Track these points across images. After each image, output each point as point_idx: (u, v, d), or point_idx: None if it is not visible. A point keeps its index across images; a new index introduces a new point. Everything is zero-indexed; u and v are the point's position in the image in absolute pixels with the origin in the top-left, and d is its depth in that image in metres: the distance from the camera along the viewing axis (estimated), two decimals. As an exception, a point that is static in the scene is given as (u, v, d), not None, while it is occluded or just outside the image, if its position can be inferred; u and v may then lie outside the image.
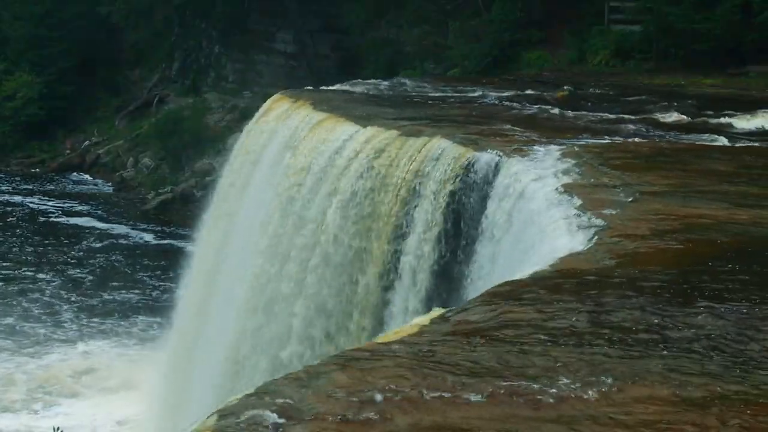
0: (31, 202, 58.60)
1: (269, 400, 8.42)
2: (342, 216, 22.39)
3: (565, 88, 31.45)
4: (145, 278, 46.72)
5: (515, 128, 23.23)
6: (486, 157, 19.64)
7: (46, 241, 51.81)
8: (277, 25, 63.11)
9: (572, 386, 9.04)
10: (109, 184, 62.03)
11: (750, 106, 27.74)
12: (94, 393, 34.81)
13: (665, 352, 10.00)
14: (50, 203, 58.38)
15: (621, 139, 22.77)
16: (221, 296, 28.22)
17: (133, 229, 53.88)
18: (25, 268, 47.49)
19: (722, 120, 26.12)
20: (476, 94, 29.96)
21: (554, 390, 8.95)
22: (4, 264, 47.86)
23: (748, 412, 8.78)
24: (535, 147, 20.35)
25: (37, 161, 66.07)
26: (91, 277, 46.17)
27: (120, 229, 53.83)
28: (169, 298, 41.35)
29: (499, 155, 19.54)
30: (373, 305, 21.34)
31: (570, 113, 26.46)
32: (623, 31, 40.35)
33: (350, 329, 22.07)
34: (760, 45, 36.15)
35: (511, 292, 11.97)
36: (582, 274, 12.45)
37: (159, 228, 53.97)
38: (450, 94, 30.27)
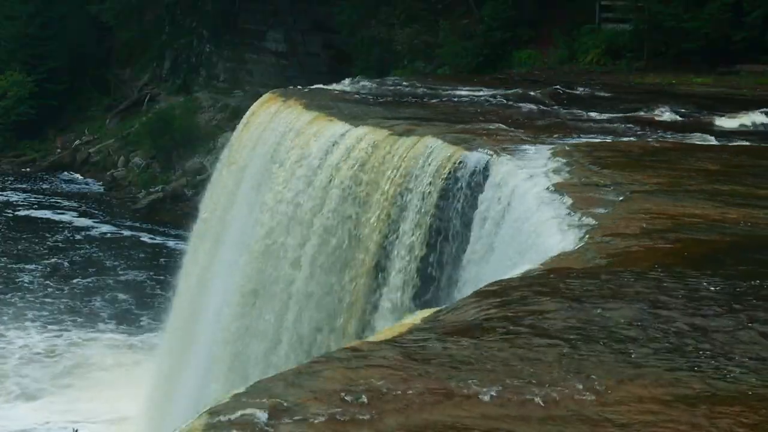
0: (21, 201, 58.55)
1: (260, 399, 8.42)
2: (332, 214, 22.40)
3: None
4: (133, 276, 46.72)
5: (505, 127, 23.25)
6: (476, 157, 19.65)
7: (36, 239, 51.79)
8: (267, 24, 63.11)
9: (563, 385, 9.05)
10: (100, 183, 62.01)
11: (740, 105, 27.80)
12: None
13: (656, 351, 10.02)
14: (41, 202, 58.35)
15: (611, 138, 22.80)
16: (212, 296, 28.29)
17: (123, 227, 53.88)
18: (10, 263, 47.59)
19: (712, 119, 26.16)
20: (466, 93, 29.96)
21: (545, 389, 8.96)
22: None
23: (739, 411, 8.80)
24: (525, 146, 20.37)
25: (28, 160, 66.04)
26: (79, 278, 46.20)
27: (110, 227, 53.84)
28: (158, 295, 41.49)
29: (489, 154, 19.54)
30: (362, 304, 21.36)
31: (561, 112, 26.49)
32: (614, 30, 40.37)
33: (339, 324, 22.14)
34: (750, 43, 36.22)
35: (501, 292, 11.98)
36: (573, 274, 12.46)
37: (150, 227, 53.97)
38: (440, 93, 30.25)
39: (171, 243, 50.01)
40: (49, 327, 40.20)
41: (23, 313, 41.17)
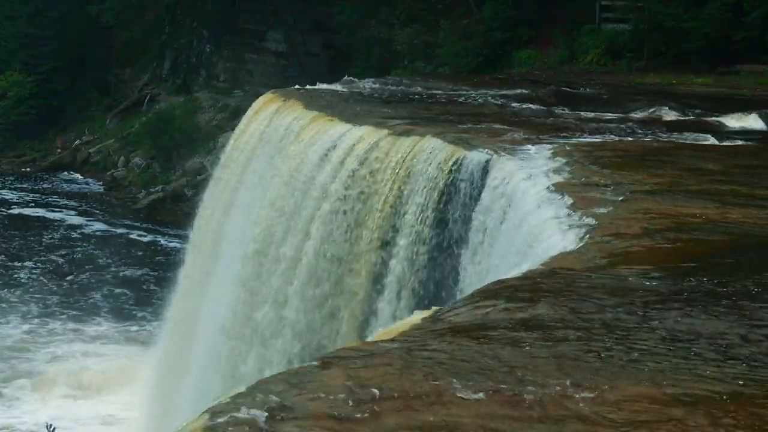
0: (21, 201, 58.58)
1: (260, 399, 8.42)
2: (332, 214, 22.40)
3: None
4: (133, 275, 46.83)
5: (506, 127, 23.23)
6: (476, 156, 19.65)
7: (33, 238, 51.86)
8: (267, 24, 63.12)
9: (563, 385, 9.05)
10: (100, 183, 62.03)
11: (740, 105, 27.77)
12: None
13: (656, 351, 10.01)
14: (41, 202, 58.38)
15: (612, 137, 22.79)
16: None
17: (123, 227, 53.89)
18: (6, 261, 47.70)
19: (713, 119, 26.14)
20: (467, 93, 29.95)
21: (545, 389, 8.96)
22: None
23: (739, 410, 8.80)
24: (525, 146, 20.36)
25: (28, 160, 66.04)
26: (76, 276, 46.34)
27: (110, 227, 53.85)
28: (158, 295, 41.63)
29: (489, 154, 19.54)
30: (361, 306, 21.35)
31: (561, 112, 26.48)
32: (614, 30, 40.37)
33: (340, 322, 22.14)
34: (750, 43, 36.22)
35: (501, 291, 11.98)
36: (573, 273, 12.46)
37: (150, 227, 54.00)
38: (440, 93, 30.26)
39: (171, 243, 50.03)
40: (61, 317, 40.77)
41: (20, 308, 41.52)
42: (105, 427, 32.68)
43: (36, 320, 40.66)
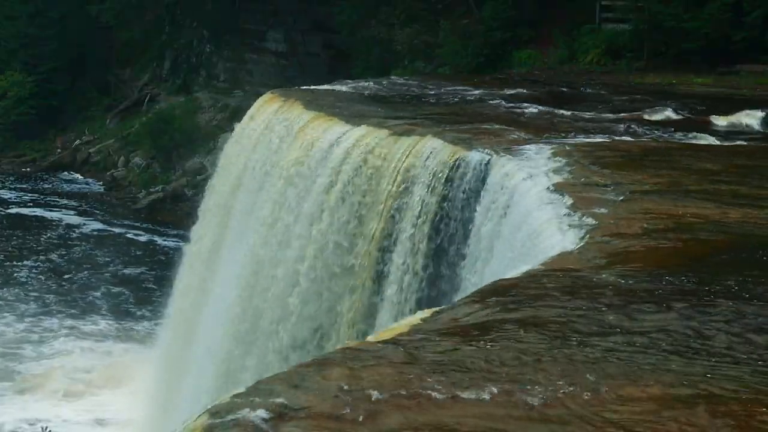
0: (21, 201, 58.57)
1: (260, 398, 8.42)
2: (332, 215, 22.40)
3: None
4: (132, 275, 46.89)
5: (506, 127, 23.23)
6: (477, 156, 19.66)
7: (32, 238, 51.88)
8: (267, 24, 63.09)
9: (563, 385, 9.05)
10: (100, 183, 62.00)
11: (740, 105, 27.76)
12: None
13: (655, 351, 10.02)
14: (41, 202, 58.37)
15: (612, 138, 22.78)
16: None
17: (123, 227, 53.90)
18: (5, 260, 47.75)
19: (712, 119, 26.14)
20: (467, 93, 29.94)
21: (544, 389, 8.96)
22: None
23: (739, 411, 8.80)
24: (525, 146, 20.37)
25: (28, 160, 65.99)
26: (75, 275, 46.44)
27: (110, 227, 53.85)
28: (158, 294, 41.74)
29: (489, 154, 19.55)
30: (363, 305, 21.36)
31: (561, 112, 26.47)
32: (614, 30, 40.33)
33: (340, 324, 22.15)
34: (750, 43, 36.19)
35: (501, 291, 11.98)
36: (573, 273, 12.46)
37: (150, 227, 54.00)
38: (440, 93, 30.24)
39: (171, 243, 50.04)
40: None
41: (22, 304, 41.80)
42: (97, 427, 32.62)
43: (33, 319, 40.65)
